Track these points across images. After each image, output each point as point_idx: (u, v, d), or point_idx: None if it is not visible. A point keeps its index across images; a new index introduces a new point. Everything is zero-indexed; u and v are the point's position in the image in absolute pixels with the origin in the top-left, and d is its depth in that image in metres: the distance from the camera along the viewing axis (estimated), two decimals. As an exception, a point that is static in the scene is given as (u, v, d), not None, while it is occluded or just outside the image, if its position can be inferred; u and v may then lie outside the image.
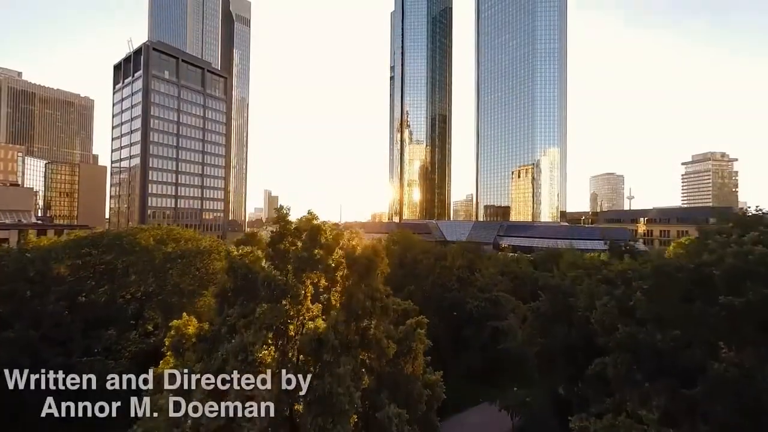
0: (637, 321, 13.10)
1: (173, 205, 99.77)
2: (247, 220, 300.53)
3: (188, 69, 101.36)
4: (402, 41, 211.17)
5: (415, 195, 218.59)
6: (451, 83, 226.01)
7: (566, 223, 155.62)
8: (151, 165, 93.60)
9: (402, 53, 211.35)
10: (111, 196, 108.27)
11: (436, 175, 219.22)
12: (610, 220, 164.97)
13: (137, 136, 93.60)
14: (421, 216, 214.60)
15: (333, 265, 12.63)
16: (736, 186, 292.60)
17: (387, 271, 13.48)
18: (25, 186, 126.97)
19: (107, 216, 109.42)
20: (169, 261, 42.84)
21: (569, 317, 17.85)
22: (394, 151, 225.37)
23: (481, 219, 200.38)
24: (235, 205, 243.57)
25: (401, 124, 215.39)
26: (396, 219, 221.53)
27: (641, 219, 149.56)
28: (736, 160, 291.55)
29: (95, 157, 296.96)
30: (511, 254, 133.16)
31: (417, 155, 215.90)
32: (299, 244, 13.26)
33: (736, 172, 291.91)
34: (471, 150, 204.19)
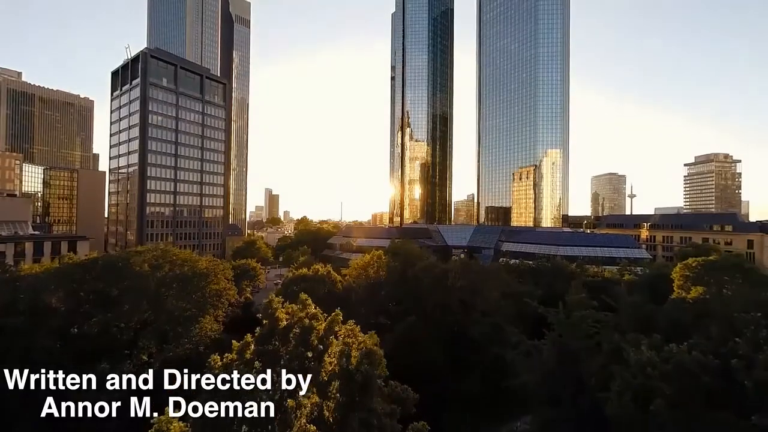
0: (658, 425, 12.12)
1: (172, 214, 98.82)
2: (247, 219, 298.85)
3: (186, 76, 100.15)
4: (403, 42, 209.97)
5: (416, 195, 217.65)
6: (453, 84, 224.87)
7: (568, 229, 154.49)
8: (149, 174, 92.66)
9: (403, 54, 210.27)
10: (109, 204, 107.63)
11: (437, 175, 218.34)
12: (611, 225, 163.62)
13: (135, 145, 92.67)
14: (421, 216, 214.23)
15: (326, 378, 11.74)
16: (739, 188, 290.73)
17: (385, 373, 12.71)
18: (23, 191, 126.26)
19: (106, 225, 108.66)
20: (164, 285, 42.05)
21: (578, 381, 16.96)
22: (395, 154, 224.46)
23: (482, 220, 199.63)
24: (236, 207, 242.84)
25: (402, 125, 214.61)
26: (397, 219, 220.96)
27: (644, 224, 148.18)
28: (740, 161, 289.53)
29: (96, 156, 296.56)
30: (513, 261, 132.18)
31: (418, 156, 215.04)
32: (293, 335, 12.37)
33: (740, 174, 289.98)
34: (472, 150, 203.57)
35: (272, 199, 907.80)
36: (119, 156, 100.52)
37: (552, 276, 66.81)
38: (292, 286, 46.71)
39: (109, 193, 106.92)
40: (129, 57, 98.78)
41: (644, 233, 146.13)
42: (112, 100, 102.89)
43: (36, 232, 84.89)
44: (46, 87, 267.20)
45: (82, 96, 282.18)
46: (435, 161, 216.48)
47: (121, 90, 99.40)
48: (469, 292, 48.82)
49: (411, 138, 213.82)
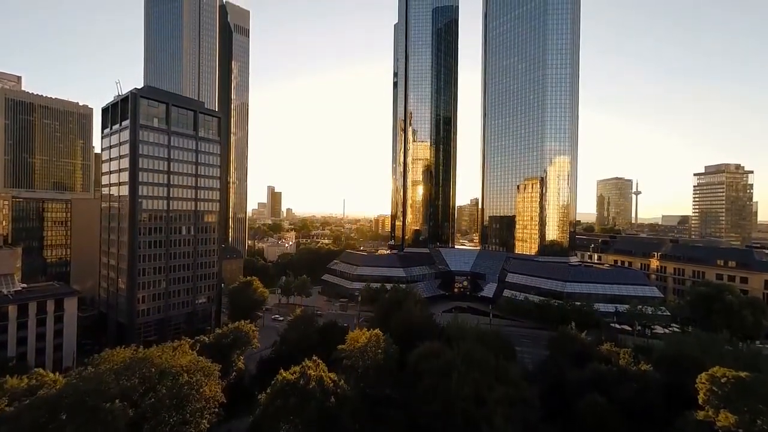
0: None
1: (166, 252, 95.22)
2: (248, 217, 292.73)
3: (179, 113, 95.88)
4: (406, 51, 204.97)
5: (419, 197, 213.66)
6: (456, 91, 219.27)
7: (576, 260, 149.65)
8: (141, 218, 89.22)
9: (406, 62, 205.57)
10: (101, 238, 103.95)
11: (440, 178, 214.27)
12: (620, 251, 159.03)
13: (125, 190, 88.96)
14: (424, 221, 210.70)
15: None
16: (751, 199, 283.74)
17: None
18: (15, 226, 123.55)
19: (98, 267, 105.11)
20: (139, 413, 38.62)
21: None
22: (397, 157, 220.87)
23: (486, 224, 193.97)
24: (236, 209, 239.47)
25: (405, 128, 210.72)
26: (399, 223, 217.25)
27: (654, 254, 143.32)
28: (752, 172, 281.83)
29: (98, 156, 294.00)
30: (518, 297, 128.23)
31: (420, 159, 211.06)
32: None
33: (751, 185, 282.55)
34: (476, 154, 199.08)
35: (275, 197, 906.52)
36: (110, 198, 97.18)
37: (566, 353, 62.88)
38: (279, 398, 43.14)
39: (100, 231, 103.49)
40: (120, 93, 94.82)
41: (654, 263, 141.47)
42: (102, 138, 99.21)
43: (23, 285, 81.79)
44: (44, 96, 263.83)
45: (80, 104, 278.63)
46: (438, 164, 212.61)
47: (111, 129, 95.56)
48: (474, 401, 45.02)
49: (414, 140, 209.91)
